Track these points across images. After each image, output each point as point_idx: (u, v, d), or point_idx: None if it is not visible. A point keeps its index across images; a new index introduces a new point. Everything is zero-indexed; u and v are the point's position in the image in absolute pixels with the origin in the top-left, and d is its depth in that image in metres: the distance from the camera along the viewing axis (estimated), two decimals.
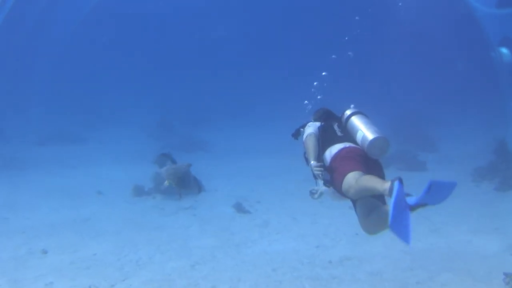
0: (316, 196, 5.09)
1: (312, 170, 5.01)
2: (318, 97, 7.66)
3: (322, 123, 5.42)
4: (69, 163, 16.78)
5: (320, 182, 5.10)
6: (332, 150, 4.97)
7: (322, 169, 4.96)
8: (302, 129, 5.59)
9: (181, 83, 31.98)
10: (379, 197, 4.51)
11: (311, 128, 5.34)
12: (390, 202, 3.87)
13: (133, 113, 26.35)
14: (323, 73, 9.07)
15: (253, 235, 9.59)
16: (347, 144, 4.96)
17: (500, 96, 17.18)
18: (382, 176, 4.63)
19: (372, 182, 4.22)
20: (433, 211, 6.46)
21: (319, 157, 5.11)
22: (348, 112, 5.23)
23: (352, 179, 4.44)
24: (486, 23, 16.02)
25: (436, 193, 3.84)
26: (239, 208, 11.29)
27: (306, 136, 5.26)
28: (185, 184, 6.08)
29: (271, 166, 15.99)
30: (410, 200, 3.92)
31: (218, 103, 28.04)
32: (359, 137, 4.89)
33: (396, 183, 3.86)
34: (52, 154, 18.35)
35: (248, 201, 12.02)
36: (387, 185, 3.97)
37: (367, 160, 4.77)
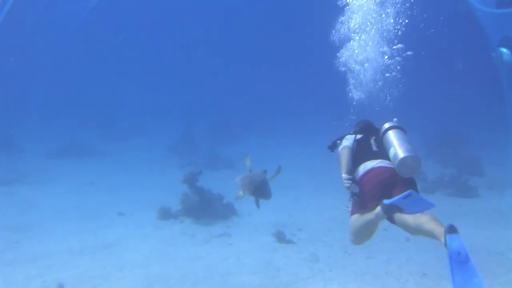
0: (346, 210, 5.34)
1: (342, 182, 4.94)
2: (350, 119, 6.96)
3: (359, 137, 5.35)
4: (86, 179, 15.51)
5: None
6: (366, 166, 4.98)
7: (351, 182, 4.90)
8: (339, 141, 5.43)
9: (205, 96, 30.88)
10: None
11: (348, 141, 5.28)
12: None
13: (154, 125, 25.18)
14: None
15: (303, 272, 8.20)
16: (379, 163, 4.95)
17: (500, 97, 16.31)
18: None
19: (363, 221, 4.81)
20: None
21: (352, 170, 5.05)
22: (386, 125, 5.13)
23: (352, 227, 4.95)
24: (486, 23, 15.88)
25: (413, 204, 4.31)
26: (280, 237, 9.92)
27: (341, 149, 5.21)
28: (262, 194, 5.78)
29: (307, 187, 14.65)
30: (387, 201, 4.44)
31: (245, 117, 26.78)
32: (391, 153, 4.83)
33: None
34: (67, 169, 17.19)
35: (289, 229, 10.67)
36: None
37: (396, 181, 4.75)
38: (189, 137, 21.28)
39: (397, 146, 4.80)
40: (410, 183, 4.80)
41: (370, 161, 5.01)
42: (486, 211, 11.68)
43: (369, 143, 5.25)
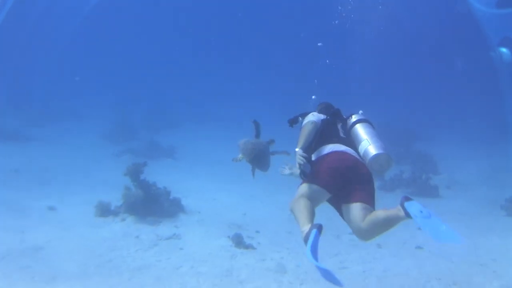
0: (284, 173, 5.25)
1: (296, 157, 4.63)
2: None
3: (328, 117, 5.10)
4: (9, 166, 13.67)
5: (290, 164, 5.16)
6: (331, 148, 4.74)
7: (305, 160, 4.58)
8: (301, 118, 5.21)
9: (144, 83, 29.21)
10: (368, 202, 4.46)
11: (315, 117, 5.00)
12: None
13: (87, 110, 23.35)
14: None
15: (270, 286, 7.11)
16: (348, 149, 4.74)
17: (500, 97, 16.15)
18: (366, 196, 4.47)
19: (300, 214, 4.22)
20: None
21: (311, 149, 4.82)
22: (355, 117, 5.01)
23: (299, 193, 4.42)
24: (486, 23, 15.66)
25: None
26: (238, 241, 8.73)
27: (307, 123, 4.91)
28: (259, 164, 5.33)
29: (257, 181, 13.51)
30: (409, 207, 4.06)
31: (185, 105, 25.35)
32: (362, 147, 4.68)
33: (314, 231, 3.90)
34: None
35: (245, 230, 9.54)
36: (307, 228, 4.03)
37: (354, 175, 4.52)
38: (125, 123, 19.68)
39: (370, 141, 4.67)
40: (368, 182, 4.63)
41: (338, 144, 4.80)
42: (453, 214, 10.94)
43: (337, 128, 5.05)
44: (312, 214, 4.24)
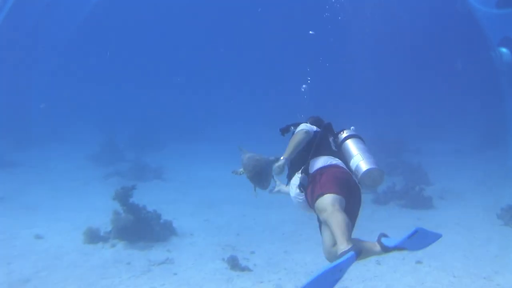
0: (273, 192, 5.37)
1: (279, 166, 4.57)
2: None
3: (320, 130, 5.05)
4: None
5: (278, 181, 5.34)
6: (327, 160, 4.65)
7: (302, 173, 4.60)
8: (292, 128, 5.15)
9: (129, 101, 28.88)
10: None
11: (308, 127, 4.95)
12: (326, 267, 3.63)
13: (73, 132, 22.98)
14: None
15: None
16: (341, 163, 4.67)
17: (499, 97, 16.20)
18: (354, 216, 4.38)
19: (339, 229, 3.93)
20: None
21: (301, 160, 4.72)
22: (346, 132, 5.00)
23: (330, 205, 4.13)
24: (486, 23, 15.80)
25: (419, 240, 3.91)
26: (234, 263, 8.47)
27: (299, 131, 4.84)
28: (259, 182, 4.88)
29: (249, 200, 13.28)
30: (389, 242, 3.97)
31: (172, 125, 25.04)
32: (354, 162, 4.66)
33: (351, 254, 3.71)
34: None
35: (240, 251, 9.28)
36: (346, 246, 3.78)
37: (350, 191, 4.40)
38: (112, 145, 19.34)
39: (361, 156, 4.64)
40: (359, 201, 4.55)
41: (332, 157, 4.72)
42: (448, 224, 10.81)
43: (329, 141, 4.96)
44: (351, 230, 4.09)
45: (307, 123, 5.17)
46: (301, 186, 4.56)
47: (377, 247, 4.02)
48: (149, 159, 17.79)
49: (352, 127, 5.12)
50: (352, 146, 4.80)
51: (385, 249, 3.99)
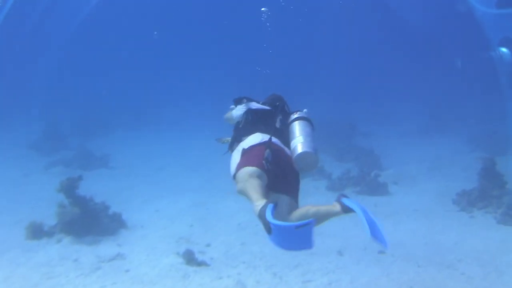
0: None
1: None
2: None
3: (268, 108, 5.19)
4: None
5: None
6: (262, 138, 4.66)
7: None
8: (245, 100, 5.28)
9: (71, 85, 27.68)
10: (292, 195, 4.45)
11: (235, 111, 5.20)
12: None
13: (11, 120, 21.82)
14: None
15: None
16: (276, 141, 4.67)
17: (499, 97, 16.38)
18: (293, 190, 4.52)
19: (253, 190, 4.14)
20: None
21: (242, 133, 4.86)
22: (297, 114, 5.01)
23: (247, 175, 4.26)
24: (486, 23, 15.66)
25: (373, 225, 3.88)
26: (189, 257, 8.02)
27: (227, 115, 5.30)
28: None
29: (202, 188, 12.87)
30: (349, 203, 4.07)
31: (117, 110, 24.12)
32: (293, 144, 4.69)
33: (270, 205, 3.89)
34: None
35: (195, 244, 8.84)
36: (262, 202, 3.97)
37: (284, 167, 4.53)
38: (55, 132, 18.43)
39: (302, 139, 4.66)
40: (296, 175, 4.67)
41: (267, 135, 4.71)
42: (406, 211, 10.66)
43: (274, 120, 5.00)
44: (266, 192, 4.22)
45: (257, 102, 5.30)
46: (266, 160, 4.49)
47: (337, 207, 4.09)
48: (94, 147, 17.04)
49: (305, 110, 5.13)
50: (297, 128, 4.80)
51: (345, 209, 4.06)
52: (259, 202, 3.97)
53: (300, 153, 4.56)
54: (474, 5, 15.34)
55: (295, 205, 4.37)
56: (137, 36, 34.27)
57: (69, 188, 9.31)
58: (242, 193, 4.25)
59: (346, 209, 4.05)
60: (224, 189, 11.76)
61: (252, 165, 4.34)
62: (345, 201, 4.09)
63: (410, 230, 9.31)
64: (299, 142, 4.64)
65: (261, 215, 3.86)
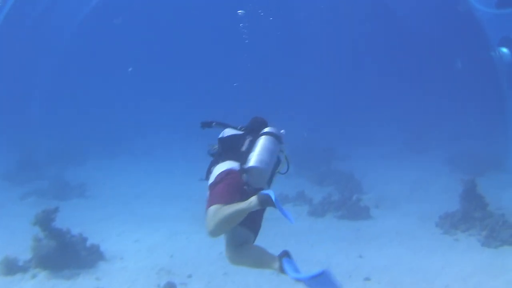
0: None
1: None
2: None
3: (239, 133, 5.09)
4: None
5: None
6: (229, 165, 4.67)
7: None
8: (214, 124, 5.26)
9: (45, 112, 27.17)
10: (252, 230, 4.48)
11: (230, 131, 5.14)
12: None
13: None
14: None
15: None
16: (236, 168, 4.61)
17: (499, 97, 16.52)
18: (250, 222, 4.43)
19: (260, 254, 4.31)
20: None
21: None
22: (266, 130, 4.91)
23: (211, 215, 4.29)
24: (486, 23, 16.05)
25: (320, 283, 3.89)
26: None
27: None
28: None
29: (181, 216, 12.62)
30: (289, 269, 4.03)
31: (93, 138, 23.71)
32: (248, 158, 4.62)
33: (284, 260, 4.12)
34: None
35: (176, 275, 8.61)
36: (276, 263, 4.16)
37: (242, 195, 4.38)
38: (29, 161, 18.04)
39: (255, 153, 4.60)
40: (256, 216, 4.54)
41: (230, 162, 4.71)
42: (389, 235, 10.60)
43: (243, 142, 4.88)
44: (264, 250, 4.36)
45: (231, 128, 5.18)
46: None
47: (276, 264, 4.12)
48: (70, 176, 16.70)
49: (274, 125, 5.03)
50: (258, 143, 4.72)
51: (282, 272, 4.07)
52: (275, 264, 4.14)
53: (247, 167, 4.54)
54: (474, 5, 15.59)
55: (251, 237, 4.47)
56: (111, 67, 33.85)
57: (45, 221, 9.01)
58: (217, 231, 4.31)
59: (282, 272, 4.07)
60: (203, 217, 11.50)
61: (215, 203, 4.36)
62: (286, 265, 4.06)
63: (394, 255, 9.21)
64: (251, 157, 4.60)
65: (263, 200, 4.11)
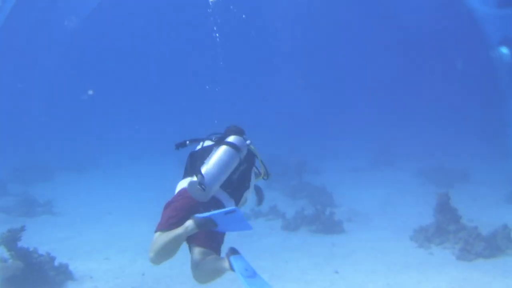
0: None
1: None
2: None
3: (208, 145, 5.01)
4: None
5: None
6: (183, 184, 4.71)
7: None
8: (188, 142, 5.08)
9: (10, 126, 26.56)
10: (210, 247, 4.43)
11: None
12: None
13: None
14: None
15: None
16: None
17: (499, 97, 16.70)
18: (204, 239, 4.43)
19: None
20: None
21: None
22: (229, 139, 4.79)
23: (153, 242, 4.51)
24: (486, 23, 15.97)
25: (231, 221, 4.14)
26: None
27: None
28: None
29: (152, 233, 12.29)
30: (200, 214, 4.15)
31: (59, 152, 23.26)
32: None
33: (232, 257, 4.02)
34: None
35: None
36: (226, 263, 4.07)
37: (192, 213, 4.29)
38: None
39: (205, 164, 4.53)
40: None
41: (187, 180, 4.68)
42: (364, 249, 10.52)
43: (208, 154, 4.71)
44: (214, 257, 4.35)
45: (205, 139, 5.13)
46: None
47: (227, 264, 4.04)
48: (36, 192, 16.26)
49: (234, 136, 4.85)
50: (213, 152, 4.66)
51: (232, 269, 4.00)
52: (225, 264, 4.05)
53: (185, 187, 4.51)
54: (474, 5, 15.71)
55: (207, 253, 4.39)
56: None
57: (10, 241, 8.67)
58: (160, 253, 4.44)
59: (233, 270, 4.01)
60: None
61: (158, 230, 4.51)
62: (232, 259, 4.00)
63: (370, 271, 9.12)
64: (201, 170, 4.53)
65: (200, 223, 4.12)
